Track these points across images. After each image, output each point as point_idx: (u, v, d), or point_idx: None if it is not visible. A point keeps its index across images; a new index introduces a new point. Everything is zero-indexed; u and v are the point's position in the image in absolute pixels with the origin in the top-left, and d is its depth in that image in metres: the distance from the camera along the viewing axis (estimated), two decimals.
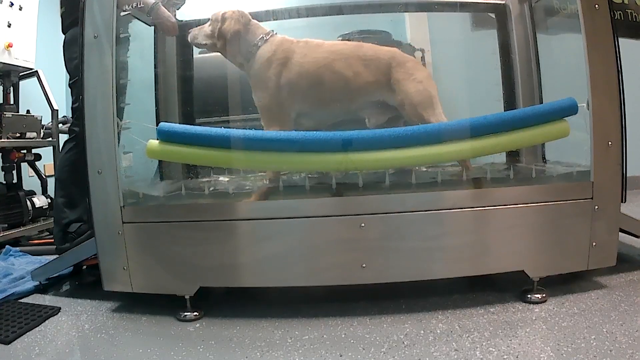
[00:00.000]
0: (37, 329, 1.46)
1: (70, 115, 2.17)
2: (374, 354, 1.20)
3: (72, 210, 2.03)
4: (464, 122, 1.52)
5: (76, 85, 2.01)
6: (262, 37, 1.68)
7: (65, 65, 2.08)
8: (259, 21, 2.02)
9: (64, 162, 2.06)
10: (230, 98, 2.07)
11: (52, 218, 2.35)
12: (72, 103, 2.06)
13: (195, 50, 2.11)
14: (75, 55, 1.94)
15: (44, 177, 3.09)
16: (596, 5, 1.42)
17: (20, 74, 2.97)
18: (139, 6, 1.71)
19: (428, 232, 1.43)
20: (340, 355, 1.20)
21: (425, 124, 1.59)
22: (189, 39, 1.74)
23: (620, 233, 1.50)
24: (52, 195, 2.35)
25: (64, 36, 2.09)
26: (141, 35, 1.90)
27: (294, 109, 1.67)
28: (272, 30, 1.71)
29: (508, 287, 1.54)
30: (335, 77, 1.65)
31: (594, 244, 1.44)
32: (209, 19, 1.73)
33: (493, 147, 1.55)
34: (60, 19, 2.13)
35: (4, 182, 2.81)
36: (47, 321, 1.52)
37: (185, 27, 1.90)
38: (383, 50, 1.71)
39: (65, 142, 2.10)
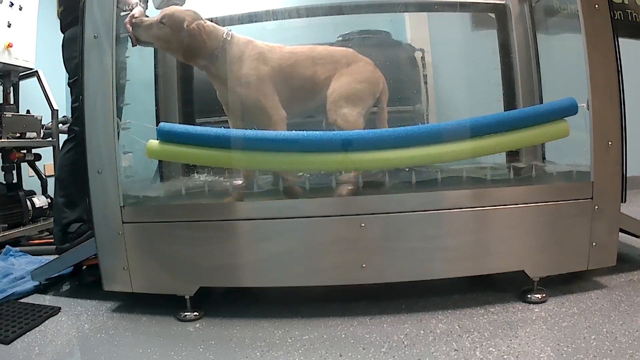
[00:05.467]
0: (37, 329, 1.46)
1: (70, 115, 2.16)
2: (374, 354, 1.20)
3: (72, 210, 2.02)
4: (464, 122, 1.52)
5: (76, 84, 2.01)
6: (225, 38, 1.66)
7: (65, 64, 2.08)
8: (258, 21, 2.02)
9: (64, 162, 2.06)
10: None
11: (52, 218, 2.35)
12: (72, 103, 2.06)
13: None
14: (75, 54, 1.93)
15: (44, 177, 3.09)
16: (596, 5, 1.42)
17: (20, 74, 2.97)
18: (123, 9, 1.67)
19: (428, 232, 1.43)
20: (340, 355, 1.20)
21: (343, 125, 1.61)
22: (129, 28, 1.61)
23: (620, 233, 1.50)
24: (52, 195, 2.35)
25: (62, 35, 2.09)
26: None
27: (277, 96, 1.67)
28: (229, 29, 1.70)
29: (508, 287, 1.53)
30: (297, 77, 1.68)
31: (594, 244, 1.44)
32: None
33: (493, 147, 1.55)
34: (58, 18, 2.12)
35: (4, 182, 2.81)
36: (47, 321, 1.52)
37: None
38: (337, 50, 1.76)
39: (65, 141, 2.09)
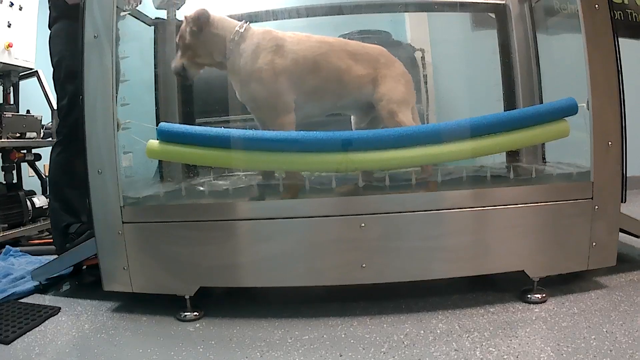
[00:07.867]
0: (37, 329, 1.46)
1: (58, 115, 2.06)
2: (374, 354, 1.20)
3: (69, 212, 2.01)
4: (464, 122, 1.52)
5: (59, 81, 1.98)
6: (237, 30, 1.61)
7: (51, 59, 2.06)
8: (259, 21, 2.01)
9: (55, 165, 2.02)
10: (230, 98, 2.07)
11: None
12: (57, 101, 2.00)
13: None
14: (58, 49, 1.93)
15: (44, 177, 3.09)
16: (596, 5, 1.42)
17: (20, 74, 2.97)
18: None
19: (428, 232, 1.43)
20: (340, 355, 1.20)
21: (399, 125, 1.61)
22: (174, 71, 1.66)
23: (620, 233, 1.50)
24: None
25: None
26: (141, 35, 1.90)
27: (292, 96, 1.62)
28: (246, 22, 1.64)
29: (508, 287, 1.53)
30: (329, 68, 1.64)
31: (594, 244, 1.44)
32: None
33: (493, 147, 1.55)
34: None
35: (4, 182, 2.81)
36: (47, 321, 1.52)
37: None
38: (370, 46, 1.74)
39: (54, 144, 2.05)
